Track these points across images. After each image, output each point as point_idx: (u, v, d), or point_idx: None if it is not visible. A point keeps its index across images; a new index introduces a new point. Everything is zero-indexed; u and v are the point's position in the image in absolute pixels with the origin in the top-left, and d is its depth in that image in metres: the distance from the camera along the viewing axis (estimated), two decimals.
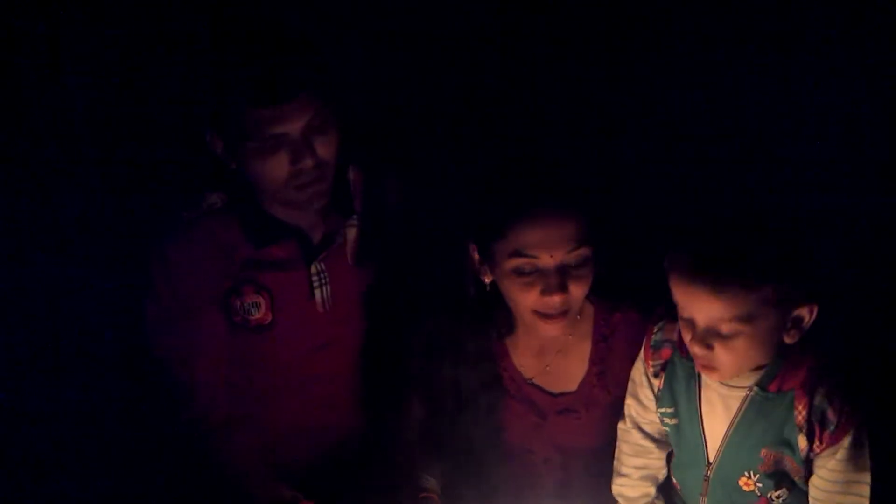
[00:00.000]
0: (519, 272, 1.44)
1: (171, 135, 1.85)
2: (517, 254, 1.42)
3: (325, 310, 1.66)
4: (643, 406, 1.51)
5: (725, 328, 1.27)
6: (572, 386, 1.59)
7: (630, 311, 1.57)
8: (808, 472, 1.36)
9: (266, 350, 1.66)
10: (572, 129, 1.87)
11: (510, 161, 1.58)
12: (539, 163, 1.55)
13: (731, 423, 1.39)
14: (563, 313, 1.47)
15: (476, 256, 1.51)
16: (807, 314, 1.30)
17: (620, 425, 1.56)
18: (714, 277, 1.24)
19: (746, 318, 1.25)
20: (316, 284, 1.65)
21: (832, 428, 1.31)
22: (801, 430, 1.33)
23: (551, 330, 1.49)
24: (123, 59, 1.86)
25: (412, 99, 1.95)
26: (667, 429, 1.49)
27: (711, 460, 1.42)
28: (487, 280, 1.51)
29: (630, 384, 1.53)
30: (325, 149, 1.54)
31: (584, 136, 1.87)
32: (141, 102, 1.87)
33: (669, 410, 1.47)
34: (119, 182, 1.88)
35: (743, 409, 1.37)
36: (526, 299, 1.46)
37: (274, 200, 1.59)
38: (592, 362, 1.58)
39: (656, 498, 1.56)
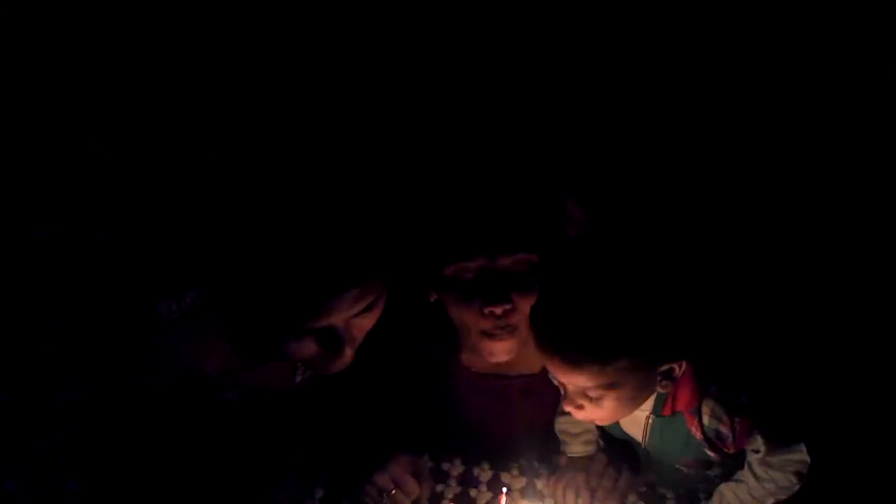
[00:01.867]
0: (457, 281, 1.34)
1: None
2: (452, 258, 1.32)
3: (303, 386, 1.54)
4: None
5: (592, 393, 1.23)
6: (534, 369, 1.51)
7: None
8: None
9: None
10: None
11: (448, 160, 1.42)
12: (477, 161, 1.39)
13: (645, 439, 1.39)
14: (510, 330, 1.35)
15: (424, 271, 1.40)
16: (676, 367, 1.23)
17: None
18: (568, 356, 1.18)
19: (609, 386, 1.21)
20: (299, 373, 1.52)
21: (731, 438, 1.28)
22: (704, 445, 1.31)
23: (499, 351, 1.39)
24: None
25: None
26: None
27: (644, 447, 1.41)
28: (432, 299, 1.41)
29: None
30: None
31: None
32: None
33: None
34: None
35: (649, 430, 1.36)
36: (468, 315, 1.35)
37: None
38: None
39: (599, 438, 1.50)
